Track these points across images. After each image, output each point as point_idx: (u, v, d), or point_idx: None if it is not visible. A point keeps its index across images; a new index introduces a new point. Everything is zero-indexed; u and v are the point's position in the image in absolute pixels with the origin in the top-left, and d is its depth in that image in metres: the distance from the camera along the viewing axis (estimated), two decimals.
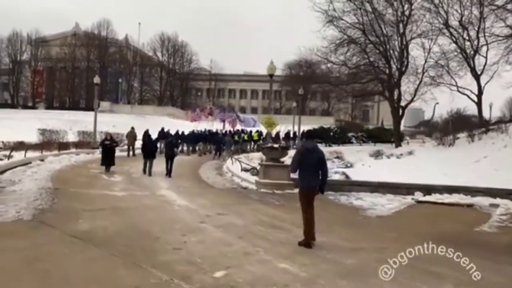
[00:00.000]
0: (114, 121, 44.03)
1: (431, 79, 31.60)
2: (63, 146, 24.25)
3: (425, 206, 12.57)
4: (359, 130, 57.46)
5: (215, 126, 37.03)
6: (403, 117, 34.68)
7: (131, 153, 25.42)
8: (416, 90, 32.18)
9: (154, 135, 24.72)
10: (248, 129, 37.99)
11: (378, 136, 44.67)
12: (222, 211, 10.11)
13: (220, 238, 7.57)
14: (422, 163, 21.57)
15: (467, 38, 29.44)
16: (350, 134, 44.96)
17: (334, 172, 19.68)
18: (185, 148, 28.55)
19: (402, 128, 39.99)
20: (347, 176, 18.73)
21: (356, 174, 19.91)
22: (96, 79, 28.60)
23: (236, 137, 31.16)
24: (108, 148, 17.57)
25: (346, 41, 31.28)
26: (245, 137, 32.95)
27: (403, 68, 29.08)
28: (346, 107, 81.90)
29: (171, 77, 77.50)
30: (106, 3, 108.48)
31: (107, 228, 7.88)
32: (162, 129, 28.14)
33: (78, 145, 26.05)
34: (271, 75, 17.82)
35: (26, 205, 9.43)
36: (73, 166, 19.05)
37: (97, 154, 24.12)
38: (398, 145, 29.22)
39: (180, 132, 29.60)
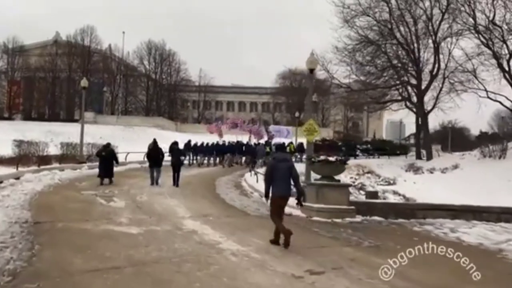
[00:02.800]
0: (100, 132, 39.92)
1: (451, 85, 28.60)
2: (44, 160, 20.09)
3: None
4: (360, 142, 54.57)
5: (239, 137, 33.91)
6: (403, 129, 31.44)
7: None
8: (437, 97, 29.19)
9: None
10: (278, 140, 34.69)
11: (383, 148, 41.74)
12: (306, 264, 6.36)
13: None
14: (478, 179, 18.24)
15: (501, 38, 26.47)
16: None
17: (382, 191, 16.12)
18: (201, 158, 28.07)
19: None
20: (404, 197, 15.16)
21: (407, 193, 16.41)
22: (84, 82, 24.58)
23: (267, 148, 28.61)
24: (105, 158, 15.92)
25: (363, 42, 28.06)
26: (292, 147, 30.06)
27: (435, 71, 25.85)
28: (340, 119, 79.27)
29: (158, 87, 73.38)
30: (89, 13, 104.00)
31: None
32: (189, 141, 28.31)
33: (61, 159, 21.90)
34: (311, 70, 14.23)
35: None
36: (58, 186, 14.96)
37: (86, 169, 20.11)
38: (429, 158, 25.87)
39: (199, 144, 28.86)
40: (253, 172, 18.53)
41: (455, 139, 69.67)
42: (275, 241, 7.46)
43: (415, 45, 25.96)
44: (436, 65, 25.76)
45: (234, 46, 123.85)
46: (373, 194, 12.99)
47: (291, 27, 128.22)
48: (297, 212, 12.05)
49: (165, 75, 74.43)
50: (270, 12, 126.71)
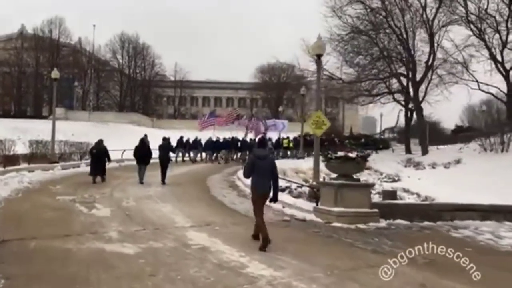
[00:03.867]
0: (71, 128, 37.40)
1: (439, 77, 27.70)
2: (11, 160, 17.82)
3: None
4: (341, 137, 53.67)
5: (235, 133, 32.21)
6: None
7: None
8: (426, 90, 28.31)
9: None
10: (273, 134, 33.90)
11: (366, 143, 40.81)
12: None
13: None
14: (484, 174, 17.18)
15: (494, 28, 25.62)
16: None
17: (391, 188, 14.78)
18: (199, 155, 27.80)
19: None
20: (418, 195, 13.86)
21: (416, 191, 15.14)
22: (55, 74, 22.20)
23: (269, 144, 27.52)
24: (97, 156, 15.39)
25: (354, 32, 26.78)
26: (286, 142, 29.91)
27: (430, 61, 24.74)
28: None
29: (132, 82, 70.42)
30: (57, 5, 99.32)
31: None
32: (181, 137, 27.63)
33: (31, 158, 19.61)
34: (319, 55, 12.67)
35: None
36: (28, 190, 12.87)
37: (59, 170, 18.04)
38: (425, 152, 24.82)
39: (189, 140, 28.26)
40: None
41: (430, 133, 69.34)
42: (255, 236, 7.46)
43: (410, 34, 24.81)
44: (431, 56, 24.65)
45: (209, 40, 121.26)
46: (391, 194, 11.61)
47: (265, 21, 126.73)
48: (310, 216, 10.60)
49: (139, 69, 71.36)
50: (243, 4, 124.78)
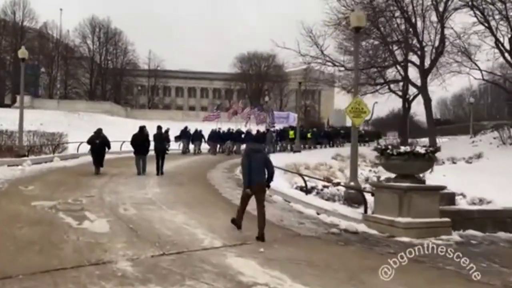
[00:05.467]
0: (39, 118, 33.99)
1: (443, 66, 26.11)
2: None
3: None
4: (323, 129, 52.15)
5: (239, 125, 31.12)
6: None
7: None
8: (409, 80, 26.75)
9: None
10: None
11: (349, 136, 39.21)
12: None
13: None
14: None
15: (504, 15, 24.05)
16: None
17: None
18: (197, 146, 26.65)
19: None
20: (463, 196, 11.90)
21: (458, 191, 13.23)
22: (22, 53, 18.99)
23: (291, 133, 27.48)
24: (98, 146, 14.60)
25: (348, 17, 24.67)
26: (292, 133, 28.32)
27: (440, 48, 22.94)
28: (293, 106, 76.48)
29: (103, 70, 66.36)
30: None
31: None
32: (186, 127, 27.24)
33: None
34: (358, 28, 10.45)
35: None
36: None
37: (29, 165, 15.24)
38: (434, 146, 23.03)
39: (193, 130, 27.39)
40: None
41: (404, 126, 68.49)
42: (236, 223, 7.69)
43: (419, 18, 22.91)
44: (441, 43, 22.86)
45: (182, 30, 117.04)
46: (450, 198, 9.58)
47: (242, 11, 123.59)
48: (359, 226, 8.44)
49: (111, 56, 67.36)
50: None
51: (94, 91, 65.20)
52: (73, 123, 35.18)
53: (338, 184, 11.55)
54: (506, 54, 25.07)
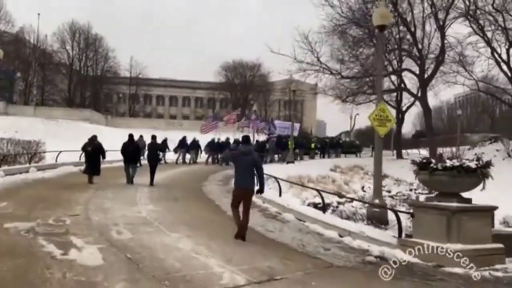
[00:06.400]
0: (14, 125, 32.11)
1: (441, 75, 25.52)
2: None
3: None
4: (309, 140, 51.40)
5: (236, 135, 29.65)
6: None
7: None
8: (419, 88, 26.09)
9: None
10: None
11: (339, 146, 38.39)
12: None
13: None
14: None
15: (502, 25, 23.60)
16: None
17: None
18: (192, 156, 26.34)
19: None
20: None
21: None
22: None
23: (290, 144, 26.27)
24: (92, 153, 14.01)
25: (350, 23, 23.97)
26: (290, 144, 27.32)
27: (440, 57, 22.21)
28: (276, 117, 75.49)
29: (82, 76, 64.08)
30: None
31: None
32: (184, 137, 26.71)
33: None
34: (381, 27, 9.35)
35: None
36: None
37: (2, 177, 13.61)
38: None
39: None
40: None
41: (388, 137, 68.35)
42: (237, 236, 7.47)
43: (419, 27, 22.18)
44: (441, 52, 22.14)
45: (165, 40, 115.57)
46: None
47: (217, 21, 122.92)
48: (399, 254, 7.22)
49: (91, 62, 65.18)
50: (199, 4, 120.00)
51: (72, 98, 62.83)
52: (51, 131, 33.23)
53: (360, 201, 10.34)
54: (503, 65, 24.64)
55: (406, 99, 29.87)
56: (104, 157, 14.58)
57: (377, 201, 9.25)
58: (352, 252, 7.39)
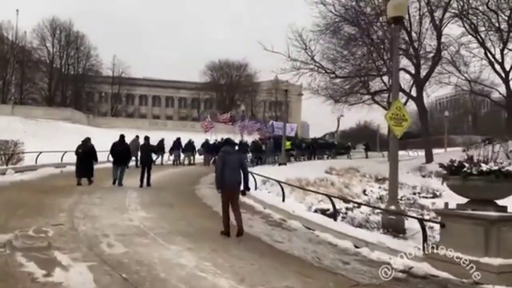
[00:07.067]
0: None
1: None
2: None
3: None
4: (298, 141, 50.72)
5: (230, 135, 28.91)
6: None
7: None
8: (411, 88, 25.66)
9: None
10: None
11: (329, 147, 37.86)
12: None
13: None
14: None
15: (496, 25, 23.25)
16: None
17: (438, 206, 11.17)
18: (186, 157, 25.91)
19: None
20: None
21: None
22: None
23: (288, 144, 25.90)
24: (84, 156, 13.53)
25: (343, 21, 23.38)
26: (288, 144, 26.45)
27: (436, 57, 21.72)
28: (269, 116, 74.54)
29: (63, 75, 62.16)
30: None
31: None
32: (178, 138, 26.23)
33: None
34: (396, 19, 8.63)
35: None
36: None
37: None
38: (430, 160, 21.66)
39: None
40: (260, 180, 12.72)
41: (373, 139, 68.50)
42: (225, 233, 7.60)
43: (415, 26, 21.69)
44: (437, 52, 21.64)
45: (147, 39, 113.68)
46: None
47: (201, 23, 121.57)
48: (427, 267, 6.49)
49: (72, 60, 63.30)
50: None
51: (53, 97, 60.90)
52: (30, 131, 31.76)
53: (375, 207, 9.56)
54: (497, 66, 24.34)
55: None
56: (96, 160, 14.08)
57: (393, 207, 8.50)
58: (374, 266, 6.60)
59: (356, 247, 7.57)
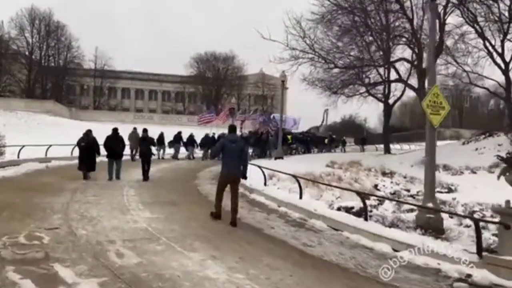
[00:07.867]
0: None
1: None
2: None
3: None
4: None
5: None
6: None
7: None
8: (406, 81, 25.06)
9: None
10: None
11: (322, 141, 37.13)
12: None
13: None
14: None
15: (497, 15, 22.64)
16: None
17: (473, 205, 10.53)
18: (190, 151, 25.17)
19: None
20: None
21: None
22: None
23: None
24: (87, 149, 12.87)
25: (343, 9, 22.53)
26: (290, 138, 26.85)
27: (439, 47, 20.97)
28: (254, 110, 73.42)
29: (43, 66, 59.83)
30: None
31: None
32: (179, 132, 25.42)
33: None
34: None
35: None
36: None
37: None
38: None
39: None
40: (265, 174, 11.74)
41: (360, 133, 68.17)
42: (216, 215, 7.89)
43: (417, 14, 20.92)
44: (441, 41, 20.94)
45: (129, 31, 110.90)
46: None
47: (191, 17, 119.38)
48: (486, 275, 5.65)
49: (53, 51, 60.98)
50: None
51: (32, 90, 58.59)
52: (10, 124, 30.07)
53: (414, 204, 8.66)
54: (497, 57, 23.79)
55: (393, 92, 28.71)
56: (98, 154, 13.40)
57: (430, 204, 7.65)
58: (426, 274, 5.75)
59: (395, 250, 6.71)
